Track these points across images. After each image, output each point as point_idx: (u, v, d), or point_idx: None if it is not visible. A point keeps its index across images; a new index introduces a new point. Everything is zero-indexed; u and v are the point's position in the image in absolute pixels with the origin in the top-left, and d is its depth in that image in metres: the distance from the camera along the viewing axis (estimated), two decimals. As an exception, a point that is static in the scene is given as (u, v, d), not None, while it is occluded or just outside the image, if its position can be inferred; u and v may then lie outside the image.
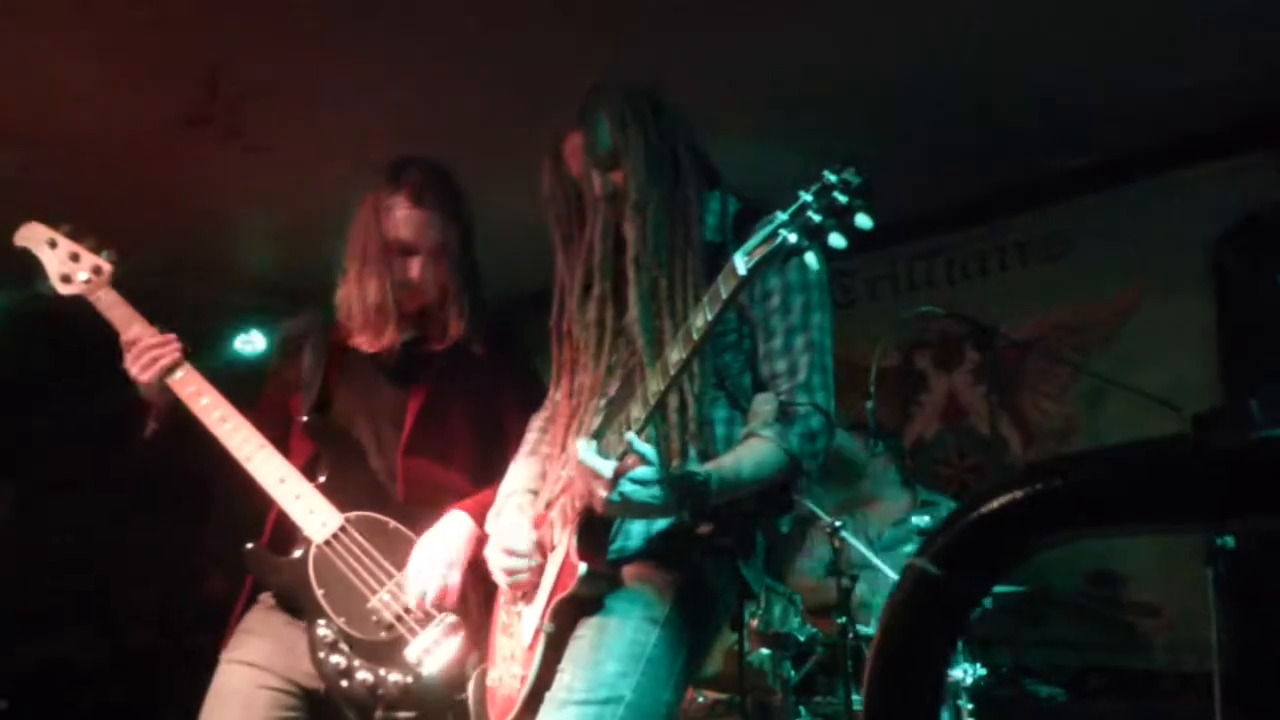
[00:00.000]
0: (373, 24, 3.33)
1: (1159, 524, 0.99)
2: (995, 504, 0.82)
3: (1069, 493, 0.85)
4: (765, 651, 3.30)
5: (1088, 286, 4.46)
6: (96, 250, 2.29)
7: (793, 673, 3.25)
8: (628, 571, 1.76)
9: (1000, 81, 3.76)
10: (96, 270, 2.27)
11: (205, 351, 5.51)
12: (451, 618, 2.06)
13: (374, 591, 2.10)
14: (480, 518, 2.07)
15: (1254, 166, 3.99)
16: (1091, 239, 4.49)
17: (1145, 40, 3.49)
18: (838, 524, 3.27)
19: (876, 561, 3.38)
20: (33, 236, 2.29)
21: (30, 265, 2.29)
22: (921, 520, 3.49)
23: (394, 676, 2.03)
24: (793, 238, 1.43)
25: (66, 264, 2.27)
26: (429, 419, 2.22)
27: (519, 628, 1.85)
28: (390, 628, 2.07)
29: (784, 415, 1.71)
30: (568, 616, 1.75)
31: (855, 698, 3.11)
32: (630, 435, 1.57)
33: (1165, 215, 4.24)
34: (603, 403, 1.84)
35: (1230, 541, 2.74)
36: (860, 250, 5.20)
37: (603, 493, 1.55)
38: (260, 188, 4.48)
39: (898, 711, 0.84)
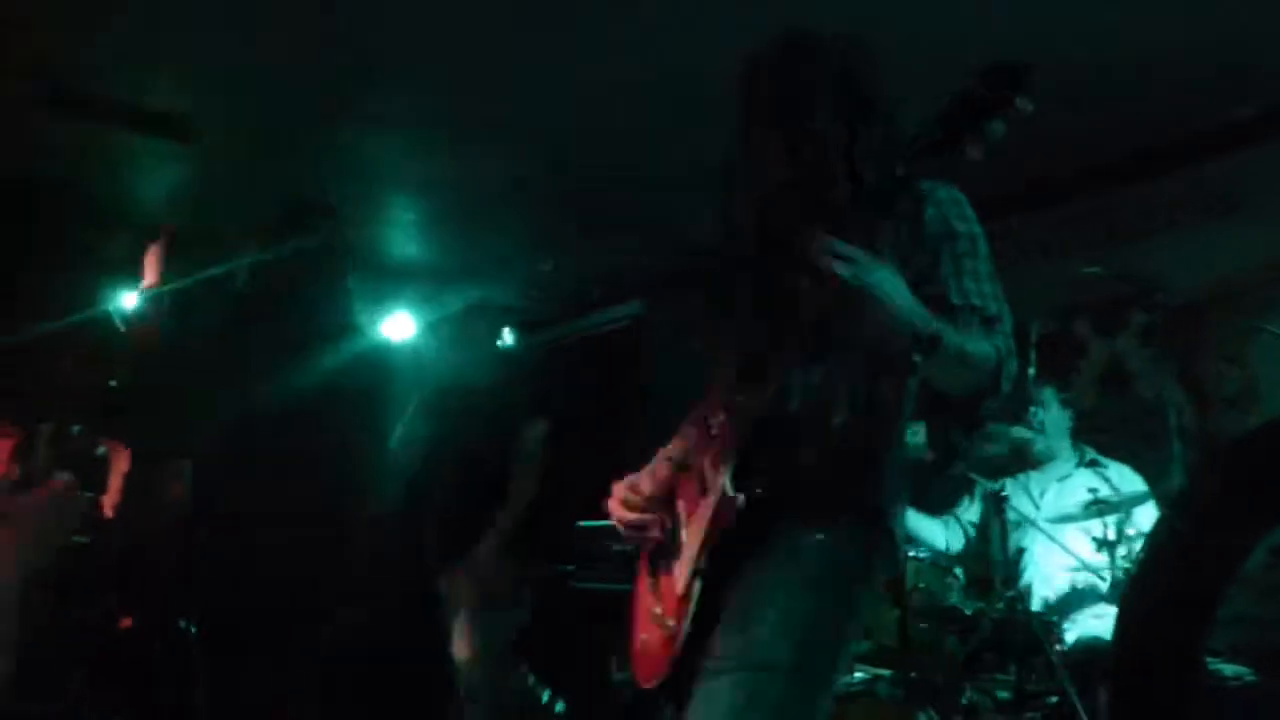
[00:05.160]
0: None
1: None
2: (1251, 458, 0.74)
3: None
4: (928, 626, 3.20)
5: (1262, 241, 4.19)
6: None
7: (958, 649, 3.15)
8: (777, 530, 1.69)
9: (1163, 31, 3.55)
10: None
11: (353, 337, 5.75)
12: None
13: None
14: None
15: None
16: (1264, 192, 4.21)
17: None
18: (1004, 493, 3.15)
19: (1048, 532, 3.24)
20: None
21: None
22: (1092, 489, 3.33)
23: None
24: (938, 132, 1.42)
25: None
26: None
27: (670, 582, 1.81)
28: None
29: (987, 323, 1.66)
30: (722, 565, 1.69)
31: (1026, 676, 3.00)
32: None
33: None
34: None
35: None
36: (1013, 211, 5.05)
37: (845, 271, 1.43)
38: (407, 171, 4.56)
39: (1157, 675, 0.77)
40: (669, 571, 1.82)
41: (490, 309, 4.27)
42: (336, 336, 3.49)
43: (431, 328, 5.41)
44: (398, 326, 5.70)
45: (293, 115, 3.99)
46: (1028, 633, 3.03)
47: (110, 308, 4.67)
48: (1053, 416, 3.78)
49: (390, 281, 5.78)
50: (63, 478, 3.62)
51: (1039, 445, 3.70)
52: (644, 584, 1.94)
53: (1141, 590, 0.78)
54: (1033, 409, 3.59)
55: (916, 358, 1.55)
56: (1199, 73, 3.83)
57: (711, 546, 1.69)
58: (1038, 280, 4.70)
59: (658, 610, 1.83)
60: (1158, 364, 4.42)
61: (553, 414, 3.90)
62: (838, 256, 1.42)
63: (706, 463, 1.78)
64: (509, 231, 5.37)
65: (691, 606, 1.71)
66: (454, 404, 3.88)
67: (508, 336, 5.17)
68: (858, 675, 3.25)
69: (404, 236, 5.48)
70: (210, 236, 4.93)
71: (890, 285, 1.45)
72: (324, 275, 3.49)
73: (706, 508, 1.73)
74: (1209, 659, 3.35)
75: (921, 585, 3.22)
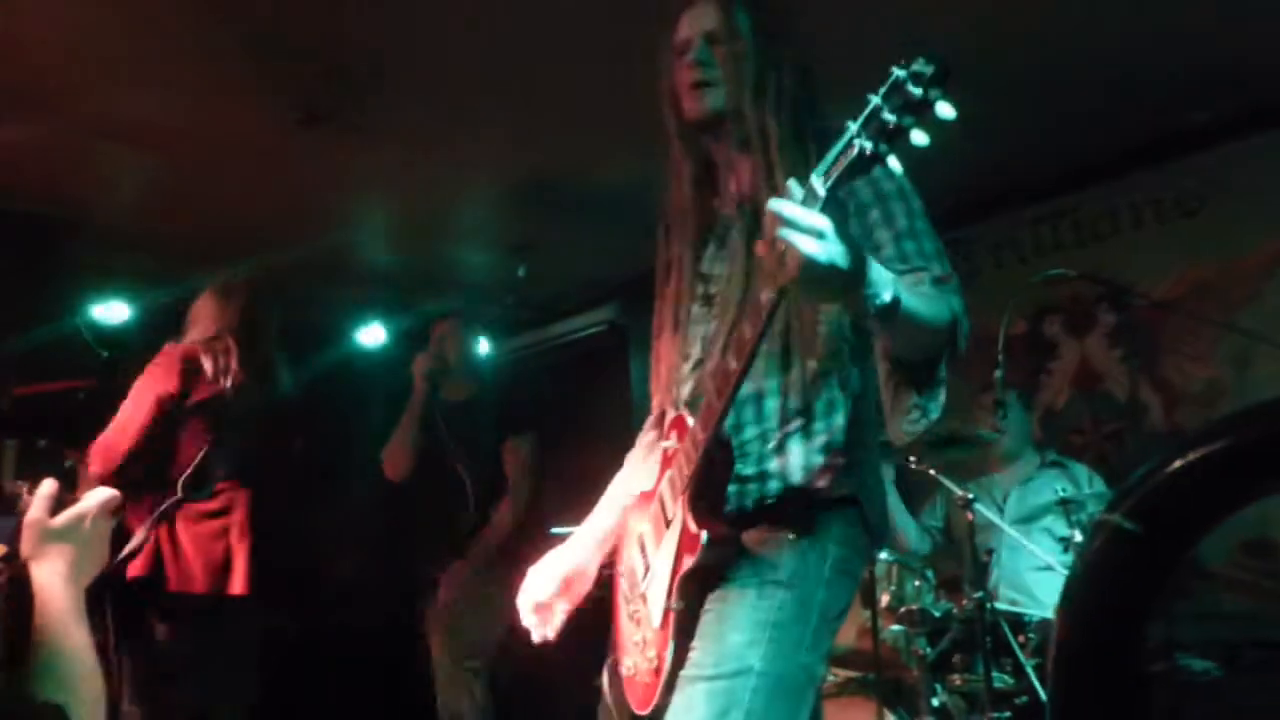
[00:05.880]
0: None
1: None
2: (1199, 453, 0.75)
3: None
4: (898, 628, 3.23)
5: (1229, 241, 4.22)
6: None
7: (929, 650, 3.17)
8: (747, 536, 1.69)
9: (1130, 31, 3.58)
10: None
11: (327, 345, 5.75)
12: None
13: None
14: None
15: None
16: (1230, 192, 4.25)
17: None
18: (970, 496, 3.18)
19: (1014, 533, 3.27)
20: None
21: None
22: (1057, 489, 3.37)
23: None
24: (869, 145, 1.30)
25: None
26: None
27: (646, 611, 1.80)
28: None
29: (939, 282, 1.61)
30: (695, 590, 1.68)
31: (995, 675, 3.02)
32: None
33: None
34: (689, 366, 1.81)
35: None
36: (983, 216, 5.08)
37: (808, 249, 1.31)
38: (378, 181, 4.56)
39: (1094, 685, 0.78)
40: (644, 597, 1.81)
41: (465, 316, 4.25)
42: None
43: (406, 335, 5.41)
44: (372, 334, 5.69)
45: (263, 120, 3.96)
46: (996, 633, 3.06)
47: (79, 319, 4.63)
48: (1017, 417, 3.82)
49: (364, 289, 5.77)
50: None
51: (1004, 445, 3.75)
52: (619, 608, 1.93)
53: (1079, 589, 0.78)
54: (1000, 410, 3.61)
55: (878, 336, 1.54)
56: (1165, 75, 3.85)
57: (683, 577, 1.68)
58: (1007, 281, 4.74)
59: (638, 638, 1.82)
60: (1126, 364, 4.46)
61: (529, 422, 3.90)
62: (791, 225, 1.32)
63: (666, 486, 1.77)
64: (484, 237, 5.37)
65: (671, 637, 1.70)
66: (434, 412, 3.87)
67: (483, 344, 5.15)
68: (828, 677, 3.27)
69: (377, 243, 5.45)
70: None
71: (845, 248, 1.35)
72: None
73: (672, 539, 1.72)
74: (1177, 654, 3.39)
75: (891, 587, 3.24)
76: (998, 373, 3.48)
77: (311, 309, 5.74)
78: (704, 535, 1.63)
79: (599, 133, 4.02)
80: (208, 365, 3.22)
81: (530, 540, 3.74)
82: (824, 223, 1.32)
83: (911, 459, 3.35)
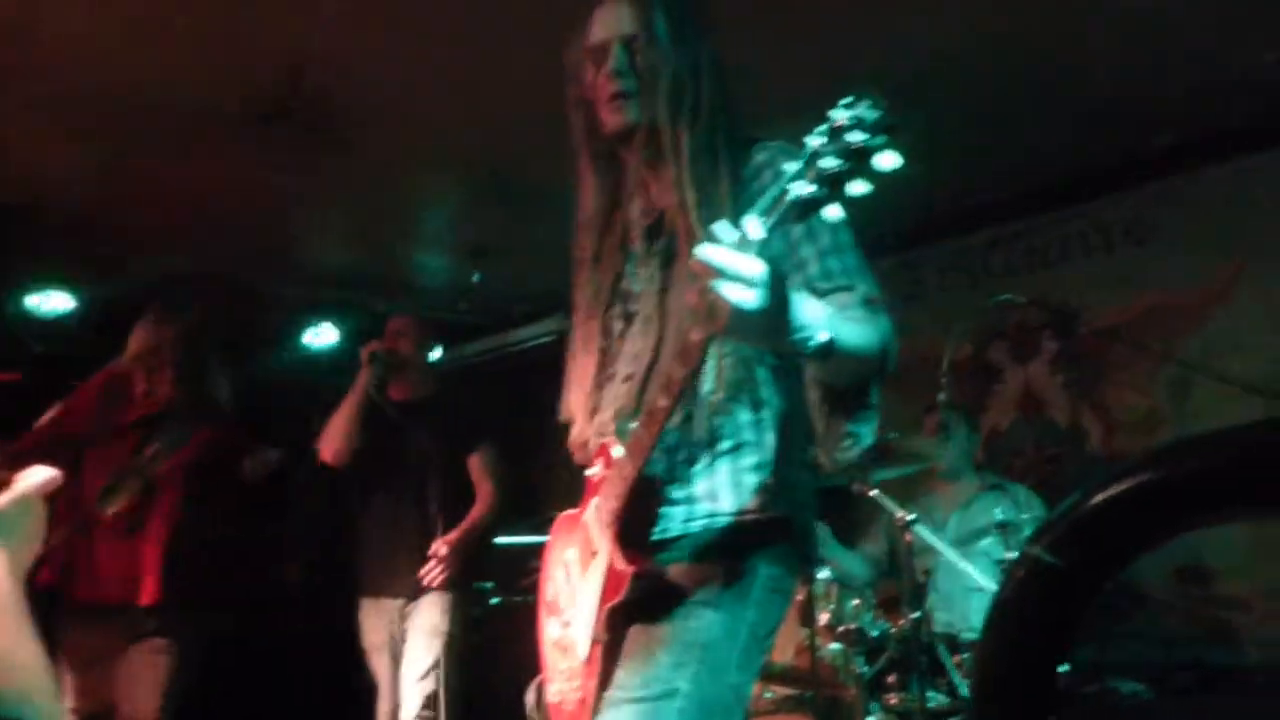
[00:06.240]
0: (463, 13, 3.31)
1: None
2: (1123, 487, 0.76)
3: (1197, 477, 0.79)
4: (836, 646, 3.24)
5: (1176, 271, 4.29)
6: None
7: (865, 668, 3.19)
8: (676, 558, 1.66)
9: (1081, 60, 3.65)
10: None
11: (277, 346, 5.67)
12: None
13: None
14: None
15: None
16: (1179, 221, 4.32)
17: (1231, 14, 3.35)
18: (910, 517, 3.20)
19: (952, 555, 3.30)
20: None
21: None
22: (996, 512, 3.41)
23: None
24: (807, 192, 1.24)
25: None
26: None
27: (572, 640, 1.76)
28: None
29: (868, 304, 1.55)
30: (621, 622, 1.66)
31: (929, 694, 3.05)
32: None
33: (1258, 197, 4.07)
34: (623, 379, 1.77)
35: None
36: (932, 238, 5.13)
37: (737, 298, 1.26)
38: (336, 182, 4.51)
39: (1010, 709, 0.79)
40: (569, 625, 1.78)
41: (416, 321, 4.19)
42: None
43: (356, 337, 5.35)
44: (321, 335, 5.63)
45: (217, 115, 3.90)
46: (931, 654, 3.09)
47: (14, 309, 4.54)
48: (961, 438, 3.86)
49: (315, 290, 5.70)
50: None
51: (946, 466, 3.78)
52: (544, 634, 1.90)
53: (999, 619, 0.79)
54: (942, 433, 3.66)
55: (809, 367, 1.51)
56: (1115, 105, 3.93)
57: (609, 611, 1.65)
58: (956, 305, 4.80)
59: (564, 667, 1.79)
60: (1068, 390, 4.52)
61: (481, 429, 3.85)
62: (720, 273, 1.26)
63: (593, 515, 1.74)
64: (438, 242, 5.33)
65: (597, 671, 1.68)
66: (383, 417, 3.80)
67: (435, 350, 5.10)
68: (765, 695, 3.28)
69: (329, 244, 5.39)
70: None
71: (777, 294, 1.30)
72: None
73: (597, 571, 1.69)
74: (1108, 676, 3.45)
75: (830, 605, 3.25)
76: (941, 395, 3.53)
77: (261, 308, 5.67)
78: (630, 573, 1.60)
79: (557, 139, 4.00)
80: (139, 386, 3.34)
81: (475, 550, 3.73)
82: (756, 269, 1.26)
83: (853, 480, 3.36)
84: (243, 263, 5.21)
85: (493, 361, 6.32)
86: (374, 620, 3.68)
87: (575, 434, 1.84)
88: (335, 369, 5.20)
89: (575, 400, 1.84)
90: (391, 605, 3.62)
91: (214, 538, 3.30)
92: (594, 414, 1.79)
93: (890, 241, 4.65)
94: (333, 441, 3.71)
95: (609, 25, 1.73)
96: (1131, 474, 0.74)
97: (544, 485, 4.70)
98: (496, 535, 4.06)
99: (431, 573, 3.50)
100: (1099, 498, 0.72)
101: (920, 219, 4.69)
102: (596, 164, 1.83)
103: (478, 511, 3.68)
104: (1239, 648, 3.89)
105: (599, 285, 1.84)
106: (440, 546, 3.52)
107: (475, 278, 5.34)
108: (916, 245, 4.91)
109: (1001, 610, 0.77)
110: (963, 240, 4.89)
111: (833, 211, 1.27)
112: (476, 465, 3.74)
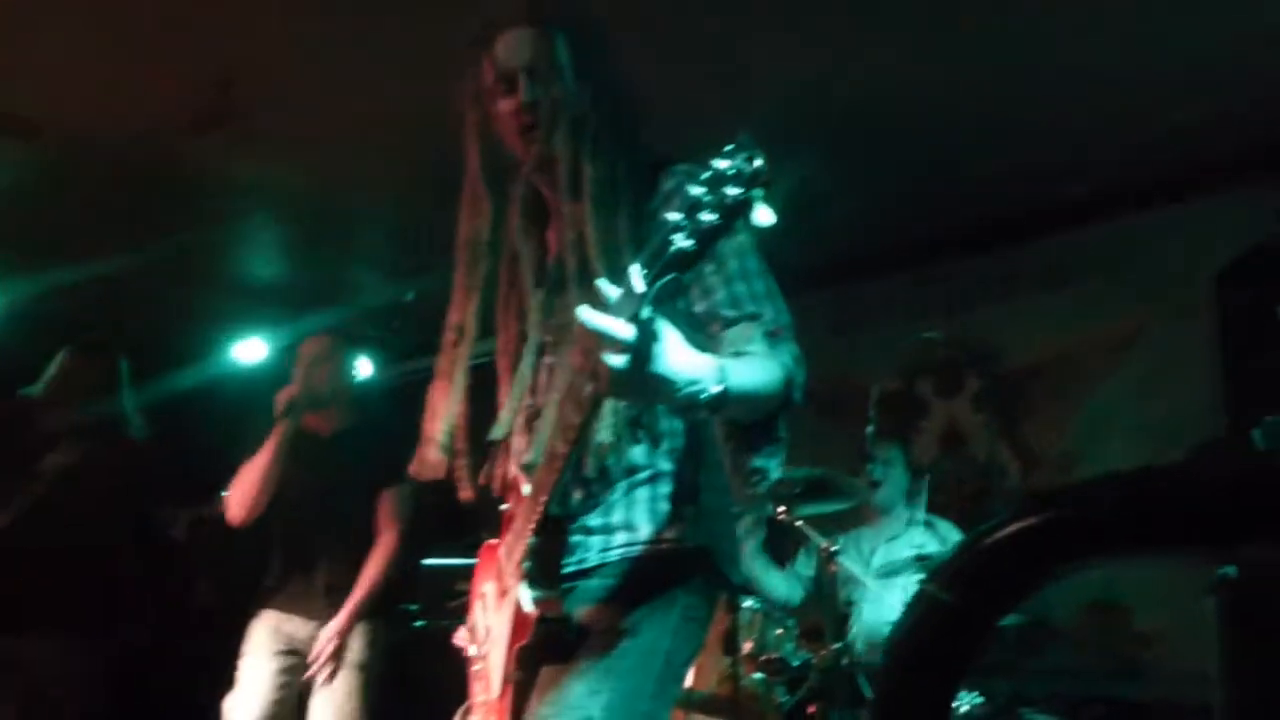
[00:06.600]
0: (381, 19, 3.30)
1: (1171, 550, 0.97)
2: (1010, 530, 0.79)
3: (1086, 519, 0.83)
4: (758, 676, 3.26)
5: (1090, 316, 4.45)
6: None
7: (786, 698, 3.21)
8: (592, 587, 1.65)
9: (1005, 112, 3.77)
10: None
11: (204, 358, 5.56)
12: None
13: None
14: None
15: (1259, 198, 3.99)
16: (1095, 269, 4.48)
17: (1147, 74, 3.51)
18: (834, 548, 3.24)
19: (873, 585, 3.35)
20: None
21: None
22: (920, 546, 3.48)
23: None
24: (688, 244, 1.23)
25: None
26: None
27: (487, 674, 1.76)
28: None
29: (770, 337, 1.54)
30: (531, 663, 1.65)
31: (849, 725, 3.08)
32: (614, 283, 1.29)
33: (1170, 246, 4.24)
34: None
35: (1233, 571, 2.70)
36: (863, 275, 5.18)
37: (615, 361, 1.26)
38: (267, 191, 4.46)
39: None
40: (485, 658, 1.78)
41: (343, 335, 4.03)
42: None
43: (285, 352, 5.24)
44: (250, 350, 5.53)
45: (150, 121, 3.84)
46: (853, 684, 3.13)
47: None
48: (898, 472, 3.89)
49: (243, 303, 5.61)
50: None
51: (879, 499, 3.80)
52: (469, 662, 1.89)
53: (895, 654, 0.81)
54: (870, 465, 3.71)
55: (703, 415, 1.50)
56: (1039, 154, 4.06)
57: (520, 650, 1.65)
58: (884, 341, 4.89)
59: (482, 700, 1.79)
60: (989, 427, 4.63)
61: (395, 466, 3.64)
62: (599, 339, 1.26)
63: (504, 552, 1.73)
64: (369, 256, 5.29)
65: (509, 708, 1.68)
66: (306, 440, 3.61)
67: (364, 367, 5.01)
68: (688, 723, 3.30)
69: (260, 256, 5.32)
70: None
71: (660, 355, 1.29)
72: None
73: (508, 610, 1.68)
74: (1023, 709, 3.52)
75: (754, 635, 3.28)
76: (869, 428, 3.59)
77: (187, 319, 5.56)
78: (535, 617, 1.60)
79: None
80: (43, 422, 3.44)
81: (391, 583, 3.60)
82: (627, 334, 1.25)
83: (779, 510, 3.39)
84: (171, 274, 5.11)
85: (426, 381, 6.26)
86: (266, 635, 3.43)
87: (496, 465, 1.83)
88: (263, 384, 5.12)
89: (497, 431, 1.82)
90: (301, 625, 3.43)
91: (114, 558, 3.30)
92: (508, 447, 1.78)
93: (823, 274, 4.74)
94: (242, 501, 3.42)
95: (512, 53, 1.70)
96: (1024, 515, 0.78)
97: (476, 507, 4.66)
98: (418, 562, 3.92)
99: (323, 668, 3.34)
100: (992, 538, 0.76)
101: (855, 253, 4.77)
102: (492, 189, 1.80)
103: (372, 571, 3.43)
104: (1150, 682, 3.99)
105: (507, 314, 1.84)
106: (328, 644, 3.33)
107: (408, 295, 5.29)
108: (849, 279, 5.00)
109: (898, 644, 0.81)
110: (894, 278, 4.99)
111: (715, 253, 1.26)
112: (386, 504, 3.51)
